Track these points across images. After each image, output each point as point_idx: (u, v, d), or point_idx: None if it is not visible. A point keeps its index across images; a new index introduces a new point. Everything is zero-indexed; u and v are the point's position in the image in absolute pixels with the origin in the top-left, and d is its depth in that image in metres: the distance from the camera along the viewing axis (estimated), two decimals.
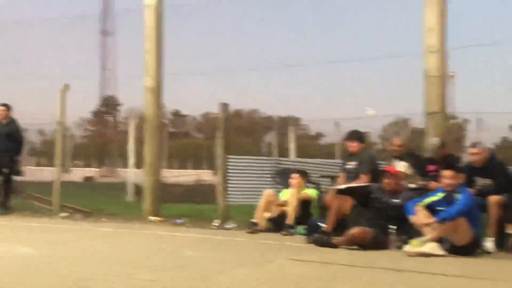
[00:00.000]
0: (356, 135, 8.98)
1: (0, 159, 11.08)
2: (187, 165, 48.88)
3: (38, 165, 47.88)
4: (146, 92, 10.79)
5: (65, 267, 5.62)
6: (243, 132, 62.17)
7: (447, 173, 7.11)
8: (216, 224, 9.60)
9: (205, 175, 27.12)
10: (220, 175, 10.25)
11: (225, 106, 10.37)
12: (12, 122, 11.40)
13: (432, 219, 6.81)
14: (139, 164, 16.16)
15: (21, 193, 12.48)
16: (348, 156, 9.01)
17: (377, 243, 7.15)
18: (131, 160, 16.50)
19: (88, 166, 52.64)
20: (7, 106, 11.38)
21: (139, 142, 16.13)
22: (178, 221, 10.06)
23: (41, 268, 5.55)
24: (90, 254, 6.58)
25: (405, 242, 7.02)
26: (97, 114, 69.71)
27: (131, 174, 16.57)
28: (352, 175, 8.70)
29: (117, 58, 65.44)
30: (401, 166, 8.24)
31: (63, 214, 10.81)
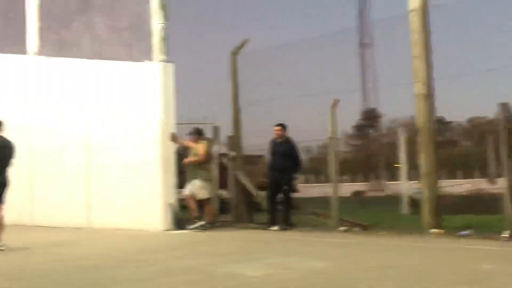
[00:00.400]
0: None
1: (279, 176, 11.56)
2: (457, 174, 46.82)
3: (307, 182, 49.76)
4: (417, 99, 10.42)
5: (363, 282, 5.53)
6: None
7: None
8: (507, 235, 8.83)
9: (481, 184, 25.61)
10: (507, 183, 9.43)
11: (505, 106, 9.58)
12: (288, 141, 11.86)
13: None
14: (410, 176, 15.77)
15: (301, 209, 12.89)
16: None
17: None
18: (404, 172, 16.13)
19: (354, 180, 53.34)
20: (282, 126, 11.88)
21: (408, 152, 15.76)
22: (463, 233, 9.46)
23: (341, 282, 5.54)
24: (380, 268, 6.41)
25: None
26: (360, 128, 70.46)
27: (405, 186, 16.19)
28: None
29: (377, 70, 65.43)
30: None
31: (342, 228, 10.88)
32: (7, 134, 9.57)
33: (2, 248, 9.17)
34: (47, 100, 14.26)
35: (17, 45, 14.81)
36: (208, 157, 11.83)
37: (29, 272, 6.93)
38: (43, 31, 14.48)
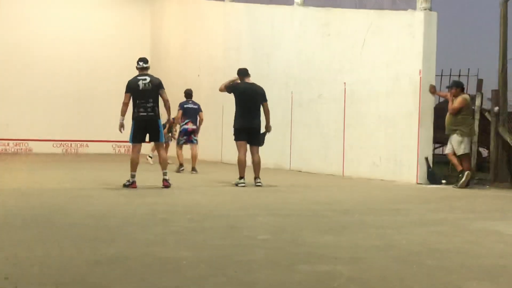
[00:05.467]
0: None
1: None
2: None
3: None
4: None
5: None
6: None
7: None
8: None
9: None
10: None
11: None
12: None
13: None
14: None
15: None
16: None
17: None
18: None
19: None
20: None
21: None
22: None
23: None
24: None
25: None
26: None
27: None
28: None
29: None
30: None
31: None
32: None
33: (260, 183, 9.92)
34: (307, 50, 14.71)
35: None
36: (468, 112, 11.20)
37: (286, 210, 7.29)
38: None
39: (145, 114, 9.56)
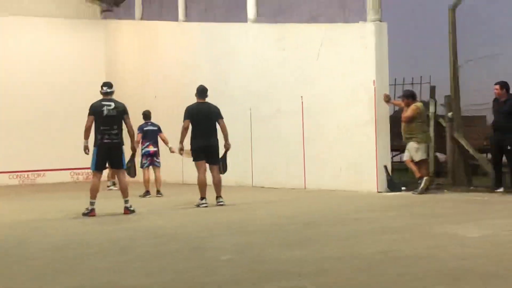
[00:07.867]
0: None
1: (503, 137, 10.75)
2: None
3: None
4: None
5: None
6: None
7: None
8: None
9: None
10: None
11: None
12: (510, 99, 10.95)
13: None
14: None
15: None
16: None
17: None
18: None
19: None
20: (501, 85, 10.98)
21: None
22: None
23: None
24: None
25: None
26: None
27: None
28: None
29: None
30: None
31: None
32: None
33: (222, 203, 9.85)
34: (263, 65, 14.75)
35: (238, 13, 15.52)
36: (422, 119, 11.37)
37: (249, 227, 7.26)
38: None
39: (109, 141, 9.31)
